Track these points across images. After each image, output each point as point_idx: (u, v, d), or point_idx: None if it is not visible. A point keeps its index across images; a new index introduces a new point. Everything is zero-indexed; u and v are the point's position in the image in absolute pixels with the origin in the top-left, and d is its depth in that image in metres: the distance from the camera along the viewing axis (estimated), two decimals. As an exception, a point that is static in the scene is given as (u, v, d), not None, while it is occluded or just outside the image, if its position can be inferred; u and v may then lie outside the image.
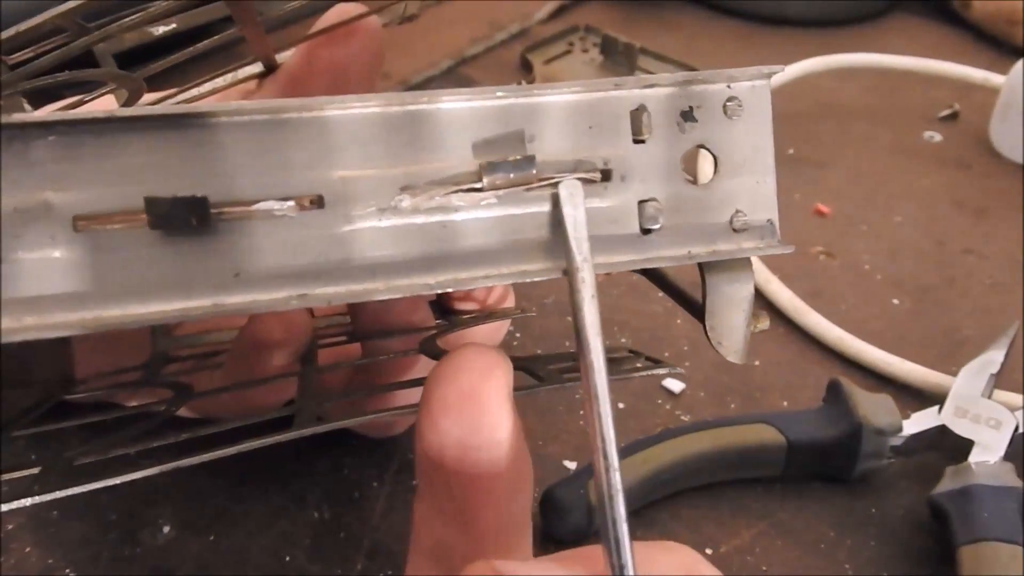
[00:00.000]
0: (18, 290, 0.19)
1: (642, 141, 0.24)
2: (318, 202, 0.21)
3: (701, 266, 0.25)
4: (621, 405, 0.47)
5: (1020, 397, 0.46)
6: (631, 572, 0.20)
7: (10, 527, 0.40)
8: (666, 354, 0.50)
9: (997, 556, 0.37)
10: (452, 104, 0.22)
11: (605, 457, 0.21)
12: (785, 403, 0.48)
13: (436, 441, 0.21)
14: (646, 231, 0.24)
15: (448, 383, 0.21)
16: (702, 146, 0.24)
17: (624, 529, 0.21)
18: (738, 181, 0.25)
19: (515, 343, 0.50)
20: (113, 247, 0.20)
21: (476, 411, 0.20)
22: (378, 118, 0.22)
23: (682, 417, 0.47)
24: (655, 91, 0.24)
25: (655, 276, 0.30)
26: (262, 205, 0.21)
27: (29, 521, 0.41)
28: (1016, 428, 0.42)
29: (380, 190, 0.22)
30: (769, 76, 0.25)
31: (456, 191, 0.22)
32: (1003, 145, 0.68)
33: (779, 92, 0.69)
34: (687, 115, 0.24)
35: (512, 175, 0.23)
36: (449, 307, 0.40)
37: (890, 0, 0.87)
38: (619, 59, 0.72)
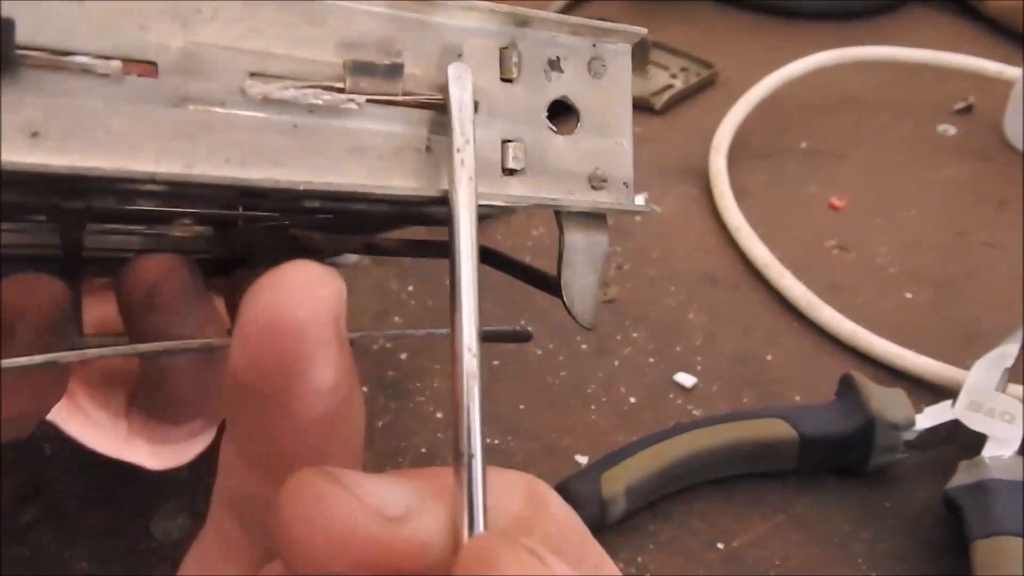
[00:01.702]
0: None
1: (510, 80, 0.23)
2: (150, 69, 0.19)
3: (560, 221, 0.25)
4: (633, 400, 0.47)
5: (1035, 391, 0.46)
6: (480, 491, 0.18)
7: (27, 519, 0.40)
8: (678, 348, 0.50)
9: (1011, 550, 0.37)
10: None
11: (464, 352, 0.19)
12: (799, 397, 0.48)
13: (243, 362, 0.18)
14: (508, 171, 0.24)
15: (260, 297, 0.18)
16: (565, 98, 0.24)
17: (477, 440, 0.18)
18: (598, 140, 0.25)
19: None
20: None
21: (292, 332, 0.17)
22: None
23: (695, 411, 0.47)
24: (525, 30, 0.23)
25: (500, 261, 0.30)
26: (80, 59, 0.18)
27: (46, 514, 0.41)
28: (1030, 422, 0.42)
29: (227, 69, 0.20)
30: (632, 41, 0.25)
31: (314, 87, 0.20)
32: (1017, 138, 0.68)
33: (794, 85, 0.69)
34: (554, 64, 0.24)
35: (379, 82, 0.21)
36: None
37: (905, -8, 0.87)
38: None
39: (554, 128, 0.24)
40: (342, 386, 0.19)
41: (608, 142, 0.25)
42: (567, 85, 0.24)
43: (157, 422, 0.38)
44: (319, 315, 0.18)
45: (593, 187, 0.25)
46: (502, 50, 0.23)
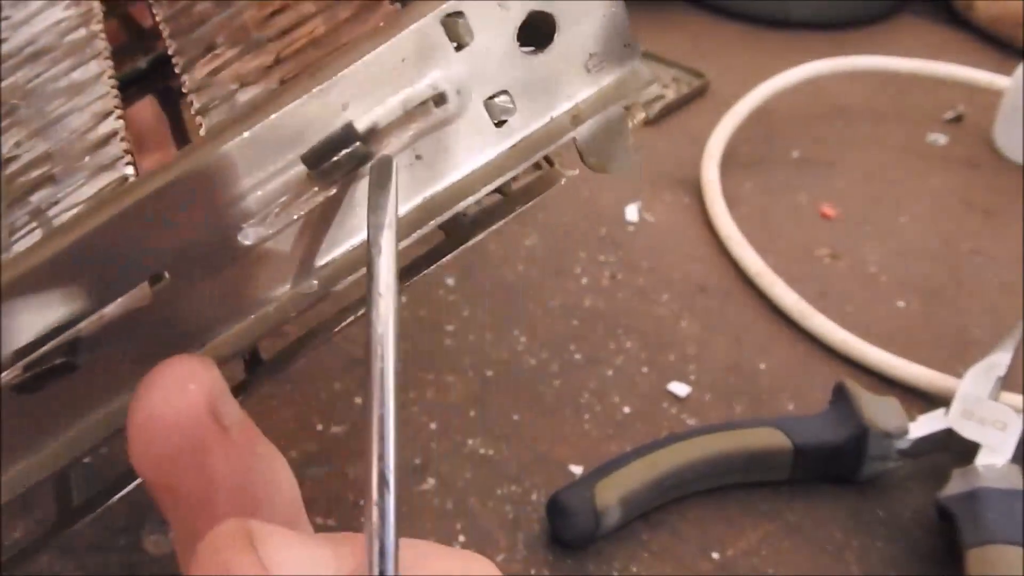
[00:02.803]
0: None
1: (465, 45, 0.22)
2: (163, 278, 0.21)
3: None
4: (627, 409, 0.47)
5: (1027, 399, 0.46)
6: (392, 556, 0.18)
7: (17, 534, 0.40)
8: (670, 357, 0.50)
9: (1004, 559, 0.37)
10: (237, 141, 0.21)
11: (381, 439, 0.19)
12: (791, 406, 0.48)
13: (137, 463, 0.19)
14: (501, 123, 0.23)
15: (138, 400, 0.19)
16: (535, 12, 0.22)
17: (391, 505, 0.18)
18: (581, 25, 0.23)
19: (519, 347, 0.50)
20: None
21: (168, 431, 0.19)
22: (177, 183, 0.21)
23: (688, 421, 0.47)
24: None
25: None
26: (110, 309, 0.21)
27: (38, 527, 0.41)
28: (1023, 430, 0.42)
29: (220, 239, 0.21)
30: None
31: (294, 202, 0.22)
32: (1007, 147, 0.68)
33: (785, 95, 0.69)
34: None
35: (344, 162, 0.21)
36: None
37: (895, 2, 0.87)
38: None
39: (530, 49, 0.23)
40: (234, 462, 0.20)
41: (595, 19, 0.23)
42: None
43: None
44: (192, 408, 0.19)
45: (590, 72, 0.23)
46: (444, 21, 0.21)
